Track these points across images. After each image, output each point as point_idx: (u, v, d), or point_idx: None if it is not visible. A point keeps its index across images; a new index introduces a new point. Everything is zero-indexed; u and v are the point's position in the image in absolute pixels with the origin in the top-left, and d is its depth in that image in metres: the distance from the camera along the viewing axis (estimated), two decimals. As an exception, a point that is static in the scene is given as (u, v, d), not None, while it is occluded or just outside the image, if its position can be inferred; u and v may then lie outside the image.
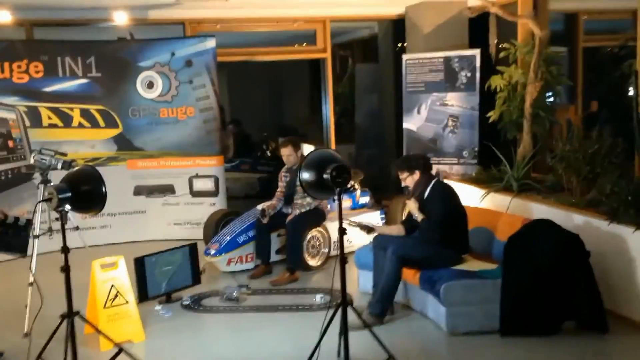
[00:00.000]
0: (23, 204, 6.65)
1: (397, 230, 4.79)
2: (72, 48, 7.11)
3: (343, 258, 3.53)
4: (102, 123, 7.22)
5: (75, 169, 3.66)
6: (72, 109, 7.12)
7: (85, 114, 7.16)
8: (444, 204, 4.55)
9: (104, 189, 3.40)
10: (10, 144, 6.86)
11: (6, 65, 6.76)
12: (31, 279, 4.62)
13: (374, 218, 6.70)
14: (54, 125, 7.06)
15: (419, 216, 4.53)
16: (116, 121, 7.27)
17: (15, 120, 6.89)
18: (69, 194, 3.35)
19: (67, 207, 3.37)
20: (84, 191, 3.42)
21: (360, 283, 5.23)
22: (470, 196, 6.18)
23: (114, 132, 7.28)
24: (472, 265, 4.57)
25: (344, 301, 3.56)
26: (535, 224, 4.39)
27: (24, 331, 4.46)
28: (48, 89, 7.02)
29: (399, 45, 8.99)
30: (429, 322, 4.48)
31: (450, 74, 7.62)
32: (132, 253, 5.03)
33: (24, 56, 6.86)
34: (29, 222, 4.05)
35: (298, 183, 5.89)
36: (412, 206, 4.59)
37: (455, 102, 7.61)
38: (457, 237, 4.59)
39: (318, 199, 5.27)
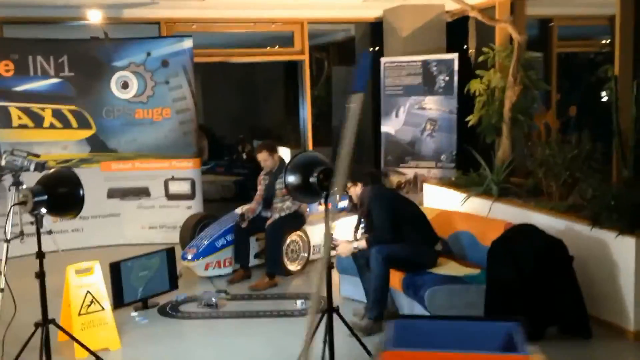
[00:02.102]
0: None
1: (362, 245, 4.64)
2: (44, 47, 6.91)
3: (330, 264, 3.46)
4: (74, 124, 7.03)
5: (51, 170, 3.52)
6: (43, 109, 6.91)
7: (57, 114, 6.96)
8: (380, 207, 4.50)
9: (81, 192, 3.27)
10: (-22, 144, 6.62)
11: (-26, 63, 6.53)
12: (2, 285, 4.45)
13: (353, 222, 6.63)
14: (25, 126, 6.85)
15: (361, 244, 4.48)
16: (89, 122, 7.08)
17: (-17, 120, 6.66)
18: (45, 197, 3.22)
19: (43, 210, 3.23)
20: (61, 194, 3.29)
21: (342, 288, 5.16)
22: (450, 200, 6.18)
23: (87, 133, 7.09)
24: (456, 269, 4.54)
25: (330, 307, 3.49)
26: (518, 229, 4.39)
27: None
28: (18, 89, 6.81)
29: (376, 48, 8.98)
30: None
31: (429, 77, 7.63)
32: (105, 257, 4.88)
33: (-7, 54, 6.64)
34: None
35: (277, 186, 5.86)
36: (346, 250, 4.54)
37: (433, 105, 7.63)
38: (415, 231, 4.55)
39: (304, 202, 5.19)
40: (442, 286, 4.22)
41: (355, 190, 4.62)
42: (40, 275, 3.28)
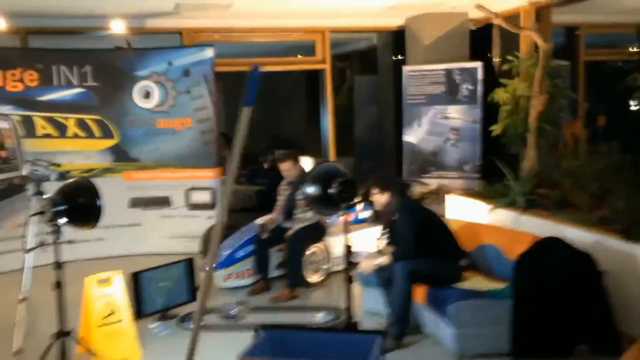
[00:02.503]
0: (16, 216, 6.45)
1: (385, 261, 4.53)
2: (68, 57, 6.96)
3: (349, 277, 3.38)
4: (97, 133, 7.06)
5: (70, 180, 3.49)
6: (67, 119, 6.95)
7: (80, 123, 7.00)
8: (408, 220, 4.40)
9: (99, 202, 3.24)
10: (3, 154, 6.67)
11: (-1, 73, 6.60)
12: (22, 295, 4.44)
13: (375, 233, 6.53)
14: (49, 135, 6.89)
15: (384, 259, 4.38)
16: (112, 131, 7.11)
17: (9, 130, 6.71)
18: (63, 207, 3.19)
19: (62, 220, 3.21)
20: (80, 204, 3.26)
21: (365, 301, 5.06)
22: (474, 211, 6.05)
23: (109, 142, 7.12)
24: (481, 284, 4.42)
25: (349, 322, 3.40)
26: (546, 242, 4.25)
27: (14, 349, 4.27)
28: (43, 98, 6.86)
29: (399, 56, 8.90)
30: (439, 344, 4.32)
31: (452, 86, 7.53)
32: (127, 267, 4.85)
33: (19, 64, 6.71)
34: None
35: (299, 197, 5.79)
36: (368, 267, 4.43)
37: (456, 114, 7.52)
38: (441, 246, 4.44)
39: (323, 214, 5.11)
40: (467, 301, 4.10)
41: (382, 198, 4.49)
42: (58, 286, 3.24)
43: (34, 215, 3.16)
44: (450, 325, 4.10)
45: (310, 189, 3.37)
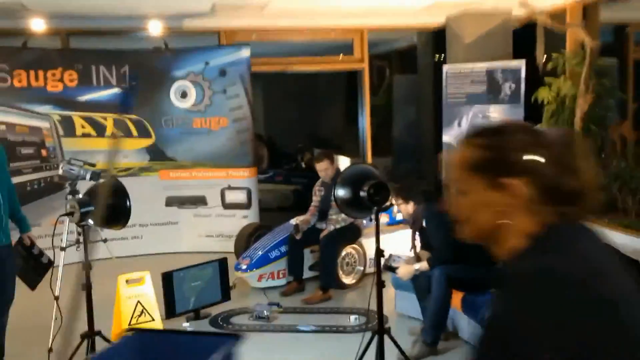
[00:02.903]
0: (54, 213, 6.53)
1: (424, 267, 4.40)
2: (107, 57, 7.05)
3: (380, 282, 3.27)
4: (135, 132, 7.13)
5: (100, 181, 3.49)
6: (105, 119, 7.04)
7: (118, 123, 7.07)
8: (437, 226, 4.24)
9: (128, 203, 3.21)
10: (44, 152, 6.80)
11: (40, 73, 6.71)
12: (57, 292, 4.48)
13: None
14: (88, 135, 6.99)
15: (423, 265, 4.24)
16: (149, 131, 7.16)
17: (49, 129, 6.84)
18: (92, 208, 3.17)
19: (90, 221, 3.20)
20: (108, 205, 3.24)
21: (398, 304, 4.94)
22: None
23: (146, 142, 7.18)
24: (519, 290, 4.25)
25: (381, 328, 3.30)
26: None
27: (48, 347, 4.31)
28: (82, 98, 6.96)
29: (439, 56, 8.71)
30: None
31: (494, 85, 7.30)
32: (162, 265, 4.87)
33: (59, 65, 6.82)
34: (50, 264, 3.97)
35: (333, 198, 5.69)
36: (407, 273, 4.29)
37: (498, 114, 7.28)
38: (476, 249, 4.27)
39: (353, 217, 5.00)
40: (505, 308, 3.94)
41: (407, 208, 4.38)
42: (87, 287, 3.24)
43: (63, 215, 3.15)
44: (487, 332, 3.94)
45: (341, 191, 3.27)
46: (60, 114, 6.86)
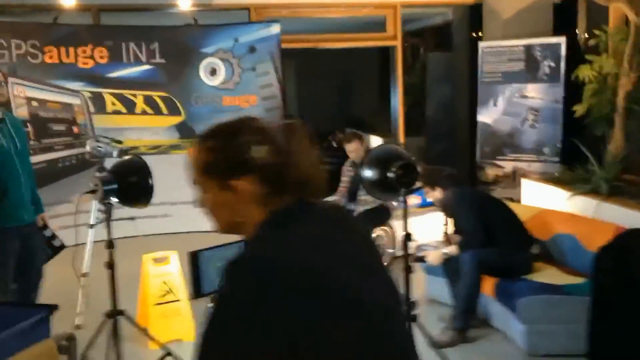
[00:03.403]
0: (85, 190, 6.59)
1: (453, 251, 4.24)
2: (137, 33, 6.98)
3: (408, 267, 3.15)
4: (164, 110, 7.07)
5: (123, 159, 3.44)
6: (135, 96, 7.00)
7: (148, 100, 7.03)
8: (467, 211, 4.11)
9: (150, 182, 3.15)
10: (75, 129, 6.82)
11: (71, 50, 6.68)
12: (84, 269, 4.49)
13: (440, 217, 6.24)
14: (118, 112, 6.97)
15: (452, 249, 4.09)
16: (179, 108, 7.11)
17: (80, 106, 6.84)
18: (115, 186, 3.12)
19: (113, 199, 3.14)
20: (131, 183, 3.19)
21: (429, 290, 4.82)
22: (551, 198, 5.63)
23: (176, 119, 7.12)
24: (554, 277, 4.08)
25: (408, 315, 3.18)
26: (631, 234, 3.85)
27: (74, 324, 4.33)
28: (112, 75, 6.91)
29: (475, 32, 8.43)
30: (508, 340, 4.03)
31: (532, 63, 7.05)
32: (190, 244, 4.80)
33: (89, 41, 6.77)
34: (62, 247, 3.96)
35: (363, 178, 5.57)
36: (437, 258, 4.14)
37: (536, 93, 7.05)
38: (508, 234, 4.12)
39: (381, 200, 4.87)
40: (539, 296, 3.80)
41: (435, 194, 4.24)
42: (110, 266, 3.20)
43: (86, 193, 3.11)
44: (519, 320, 3.81)
45: (368, 172, 3.15)
46: (90, 91, 6.84)
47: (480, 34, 8.16)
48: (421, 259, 4.16)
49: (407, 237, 3.11)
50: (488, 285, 4.08)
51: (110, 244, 3.19)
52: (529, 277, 4.07)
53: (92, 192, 3.11)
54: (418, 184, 3.12)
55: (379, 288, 1.20)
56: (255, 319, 1.05)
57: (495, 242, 4.00)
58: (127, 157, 3.38)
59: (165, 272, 4.16)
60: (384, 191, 3.20)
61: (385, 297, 1.20)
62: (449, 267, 4.30)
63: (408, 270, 3.14)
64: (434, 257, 4.12)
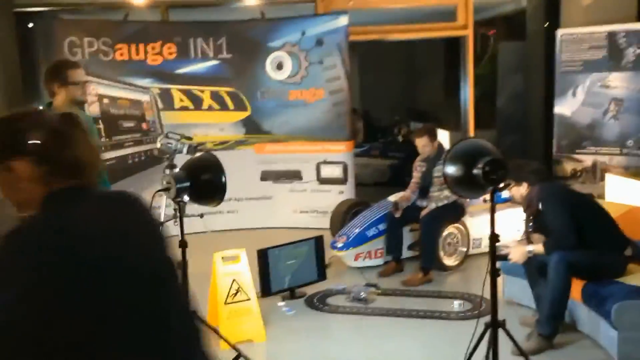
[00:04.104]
0: (154, 186, 6.53)
1: (538, 250, 3.95)
2: (204, 29, 6.99)
3: (495, 270, 2.94)
4: (231, 105, 7.06)
5: (196, 156, 3.36)
6: (202, 91, 7.01)
7: (215, 96, 7.03)
8: (557, 209, 3.77)
9: (224, 179, 3.06)
10: (145, 126, 6.89)
11: (141, 46, 6.75)
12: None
13: (518, 215, 5.94)
14: (185, 108, 7.00)
15: (538, 247, 3.80)
16: (245, 104, 7.07)
17: (149, 103, 6.91)
18: (187, 184, 3.05)
19: (186, 197, 3.07)
20: (204, 180, 3.11)
21: (506, 291, 4.57)
22: (637, 194, 5.25)
23: (242, 114, 7.09)
24: (652, 281, 3.76)
25: (495, 321, 2.97)
26: None
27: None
28: (180, 71, 6.95)
29: (550, 20, 8.02)
30: (597, 347, 3.75)
31: (615, 51, 6.64)
32: (256, 241, 4.77)
33: (158, 38, 6.83)
34: None
35: (435, 174, 5.36)
36: (521, 255, 3.84)
37: (619, 83, 6.64)
38: (599, 234, 3.80)
39: (465, 197, 4.63)
40: (635, 301, 3.49)
41: (519, 190, 3.96)
42: (183, 266, 3.13)
43: (159, 191, 3.05)
44: (612, 327, 3.52)
45: (451, 169, 2.95)
46: (159, 87, 6.89)
47: (549, 23, 7.75)
48: (503, 258, 3.90)
49: (494, 238, 2.89)
50: (575, 287, 3.81)
51: (183, 243, 3.13)
52: (622, 280, 3.76)
53: (166, 189, 3.05)
54: (506, 181, 2.89)
55: (153, 264, 1.35)
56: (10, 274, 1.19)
57: (585, 243, 3.71)
58: (199, 154, 3.29)
59: (235, 270, 4.08)
60: (468, 188, 3.00)
61: (158, 272, 1.35)
62: (529, 267, 4.05)
63: (495, 274, 2.93)
64: (518, 255, 3.85)
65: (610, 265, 3.81)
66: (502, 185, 2.89)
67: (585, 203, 3.96)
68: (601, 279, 3.77)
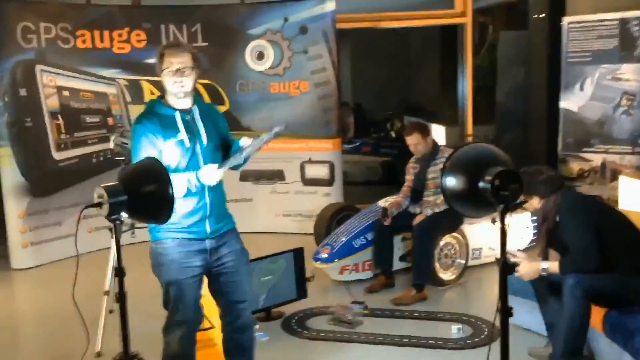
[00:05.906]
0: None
1: (553, 268, 3.38)
2: (177, 14, 6.40)
3: (507, 308, 2.35)
4: (207, 99, 6.45)
5: (134, 163, 2.75)
6: (175, 83, 6.40)
7: (188, 88, 6.42)
8: (579, 225, 3.21)
9: (170, 191, 2.45)
10: (110, 121, 6.29)
11: (106, 34, 6.14)
12: (106, 287, 3.89)
13: (523, 221, 5.39)
14: (157, 101, 6.39)
15: (552, 266, 3.22)
16: (222, 97, 6.50)
17: (115, 95, 6.32)
18: (124, 197, 2.43)
19: (123, 215, 2.46)
20: (146, 193, 2.49)
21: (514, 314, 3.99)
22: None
23: (220, 109, 6.45)
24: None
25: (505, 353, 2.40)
26: None
27: (96, 350, 3.74)
28: (150, 61, 6.31)
29: (555, 8, 7.50)
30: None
31: (627, 40, 6.15)
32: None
33: (125, 24, 6.22)
34: None
35: (429, 176, 4.77)
36: (531, 271, 3.25)
37: (632, 75, 6.18)
38: (627, 254, 3.24)
39: (468, 215, 4.01)
40: (668, 336, 2.93)
41: (532, 204, 3.38)
42: (121, 299, 2.52)
43: (88, 207, 2.43)
44: (640, 364, 2.97)
45: (451, 181, 2.36)
46: (127, 78, 6.30)
47: (555, 9, 7.20)
48: (511, 269, 3.31)
49: (505, 268, 2.30)
50: (595, 315, 3.26)
51: (120, 271, 2.52)
52: (649, 309, 3.22)
53: (97, 205, 2.44)
54: (520, 198, 2.32)
55: None
56: None
57: (608, 264, 3.14)
58: (140, 161, 2.68)
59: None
60: (472, 206, 2.42)
61: None
62: (540, 288, 3.48)
63: (507, 314, 2.35)
64: (528, 271, 3.27)
65: (636, 291, 3.24)
66: (515, 202, 2.30)
67: (608, 215, 3.38)
68: (624, 306, 3.21)
